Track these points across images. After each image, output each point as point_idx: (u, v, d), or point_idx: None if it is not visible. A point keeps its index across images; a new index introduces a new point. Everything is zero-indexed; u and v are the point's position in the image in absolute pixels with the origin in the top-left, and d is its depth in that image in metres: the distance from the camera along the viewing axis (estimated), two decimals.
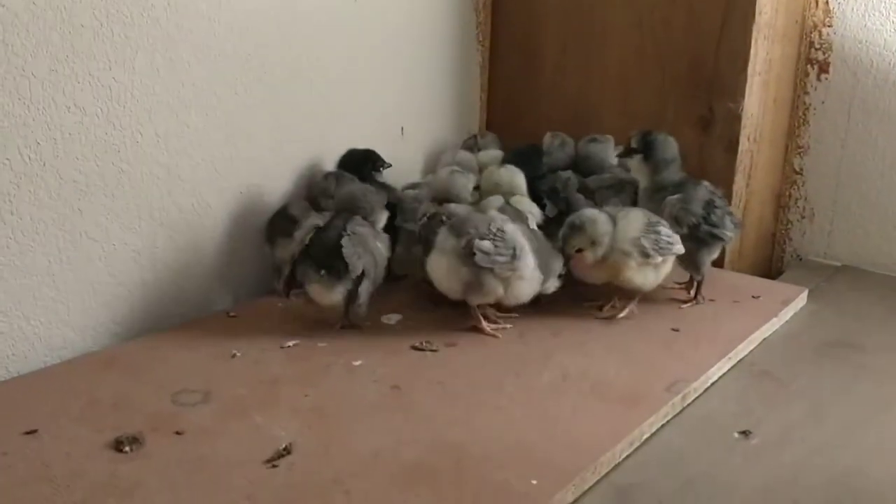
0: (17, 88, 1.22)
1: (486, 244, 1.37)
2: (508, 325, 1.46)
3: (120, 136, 1.36)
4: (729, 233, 1.57)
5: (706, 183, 1.60)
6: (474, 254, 1.36)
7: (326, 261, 1.37)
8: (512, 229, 1.41)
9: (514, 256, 1.38)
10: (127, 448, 1.06)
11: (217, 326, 1.44)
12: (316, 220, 1.44)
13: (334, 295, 1.39)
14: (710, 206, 1.55)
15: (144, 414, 1.15)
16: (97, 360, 1.31)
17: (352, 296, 1.40)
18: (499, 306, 1.47)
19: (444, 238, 1.40)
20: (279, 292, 1.53)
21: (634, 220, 1.48)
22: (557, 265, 1.46)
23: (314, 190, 1.56)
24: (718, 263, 1.80)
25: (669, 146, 1.58)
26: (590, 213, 1.48)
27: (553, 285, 1.46)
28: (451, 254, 1.39)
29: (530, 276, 1.41)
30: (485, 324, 1.44)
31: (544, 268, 1.43)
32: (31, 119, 1.24)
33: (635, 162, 1.60)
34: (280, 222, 1.53)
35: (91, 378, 1.24)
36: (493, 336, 1.43)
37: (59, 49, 1.25)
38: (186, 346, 1.36)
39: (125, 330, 1.42)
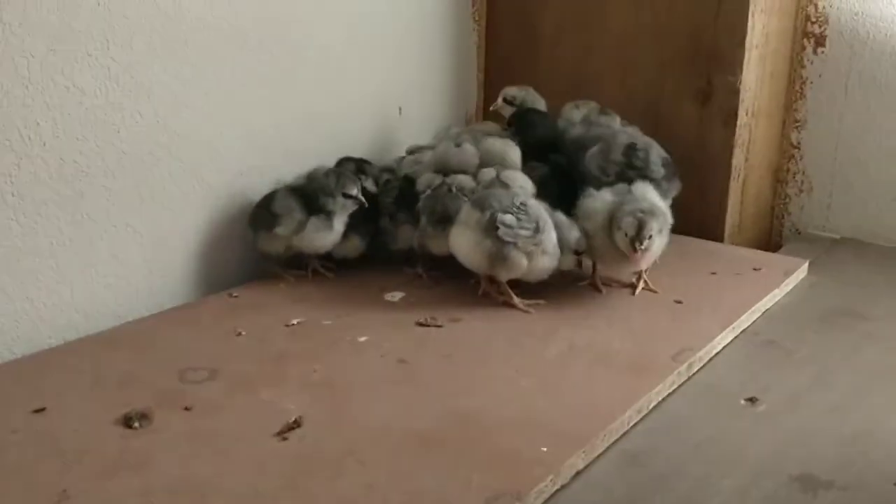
0: (16, 68, 1.21)
1: (509, 217, 1.38)
2: (542, 302, 1.44)
3: (120, 117, 1.35)
4: (658, 169, 1.56)
5: (629, 130, 1.64)
6: (497, 227, 1.37)
7: (440, 211, 1.47)
8: (535, 204, 1.42)
9: (537, 230, 1.39)
10: (136, 424, 1.06)
11: (220, 306, 1.44)
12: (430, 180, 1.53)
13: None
14: (630, 149, 1.57)
15: (151, 391, 1.14)
16: (101, 340, 1.31)
17: None
18: (521, 288, 1.45)
19: (467, 212, 1.41)
20: (279, 274, 1.54)
21: (647, 191, 1.48)
22: (572, 238, 1.44)
23: (314, 185, 1.52)
24: (718, 237, 1.81)
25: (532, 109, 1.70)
26: (648, 196, 1.45)
27: (568, 261, 1.45)
28: (474, 228, 1.39)
29: (553, 252, 1.41)
30: (517, 300, 1.44)
31: (561, 243, 1.43)
32: (31, 99, 1.24)
33: (509, 135, 1.66)
34: (262, 214, 1.51)
35: (96, 358, 1.24)
36: (526, 311, 1.42)
37: (56, 28, 1.24)
38: (190, 326, 1.36)
39: (128, 311, 1.41)
